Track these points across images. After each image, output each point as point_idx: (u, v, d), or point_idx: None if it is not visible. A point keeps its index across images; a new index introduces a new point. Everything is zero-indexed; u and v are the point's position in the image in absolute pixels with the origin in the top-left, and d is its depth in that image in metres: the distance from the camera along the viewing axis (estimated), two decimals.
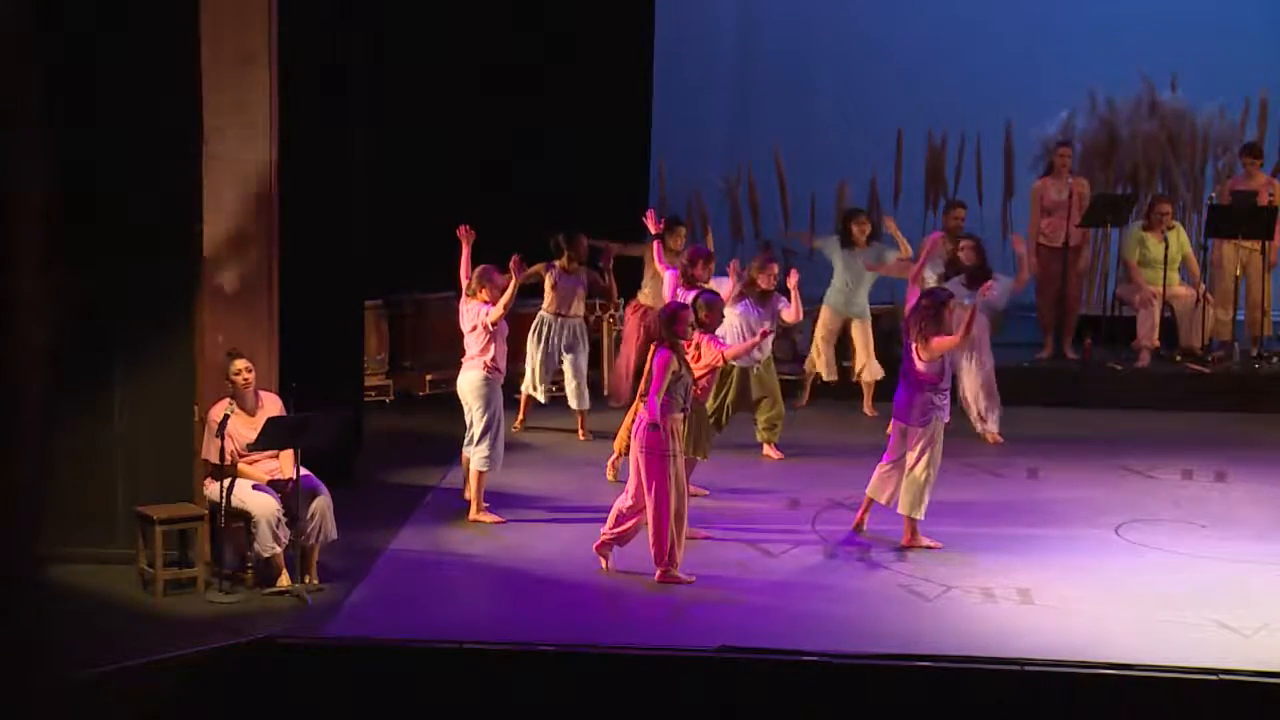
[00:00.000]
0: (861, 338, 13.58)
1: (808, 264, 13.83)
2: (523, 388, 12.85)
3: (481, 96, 15.03)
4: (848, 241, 13.49)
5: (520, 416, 12.89)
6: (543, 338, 12.76)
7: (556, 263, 12.79)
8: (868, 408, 13.50)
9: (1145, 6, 17.01)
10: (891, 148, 15.99)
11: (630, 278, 13.70)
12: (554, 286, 12.79)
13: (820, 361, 13.65)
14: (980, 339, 12.42)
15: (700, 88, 17.26)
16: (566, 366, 12.83)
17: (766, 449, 12.16)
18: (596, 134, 14.99)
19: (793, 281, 11.15)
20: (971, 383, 12.66)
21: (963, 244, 12.60)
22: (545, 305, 12.85)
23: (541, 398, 12.84)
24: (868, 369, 13.55)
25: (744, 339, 11.05)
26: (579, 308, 12.94)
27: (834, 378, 13.69)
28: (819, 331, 13.67)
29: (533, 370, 12.78)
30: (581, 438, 12.75)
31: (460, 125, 14.85)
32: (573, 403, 12.87)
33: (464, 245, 10.87)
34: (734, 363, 11.19)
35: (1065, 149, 14.59)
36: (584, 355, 12.97)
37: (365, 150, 11.80)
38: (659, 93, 15.79)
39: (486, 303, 10.56)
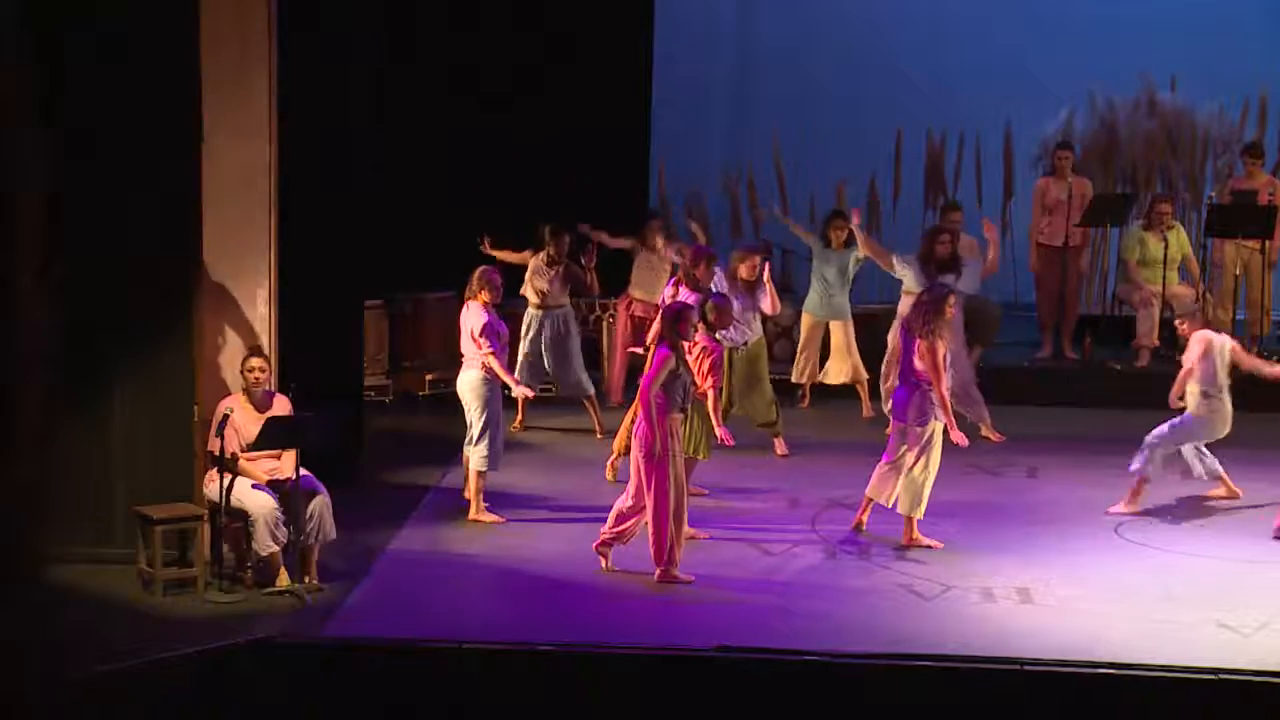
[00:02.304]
0: (843, 339, 13.47)
1: (808, 266, 13.80)
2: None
3: (482, 96, 15.03)
4: (827, 243, 13.45)
5: (520, 416, 12.88)
6: (531, 335, 12.74)
7: (541, 253, 12.77)
8: (865, 409, 13.48)
9: (1145, 6, 17.00)
10: (891, 148, 16.00)
11: (616, 273, 13.58)
12: (533, 280, 12.77)
13: (796, 368, 13.60)
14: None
15: (700, 87, 17.24)
16: (560, 363, 12.76)
17: (777, 443, 12.17)
18: (596, 134, 14.98)
19: (765, 275, 11.70)
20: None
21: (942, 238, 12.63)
22: (531, 301, 12.81)
23: (519, 393, 12.75)
24: (851, 370, 13.45)
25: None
26: (562, 298, 12.90)
27: (808, 381, 13.61)
28: (801, 339, 13.63)
29: (517, 367, 12.55)
30: (599, 435, 12.56)
31: (460, 125, 14.85)
32: (578, 392, 12.84)
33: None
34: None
35: (1066, 152, 14.56)
36: (575, 342, 12.91)
37: (365, 150, 11.80)
38: (659, 93, 15.79)
39: (487, 304, 10.56)
